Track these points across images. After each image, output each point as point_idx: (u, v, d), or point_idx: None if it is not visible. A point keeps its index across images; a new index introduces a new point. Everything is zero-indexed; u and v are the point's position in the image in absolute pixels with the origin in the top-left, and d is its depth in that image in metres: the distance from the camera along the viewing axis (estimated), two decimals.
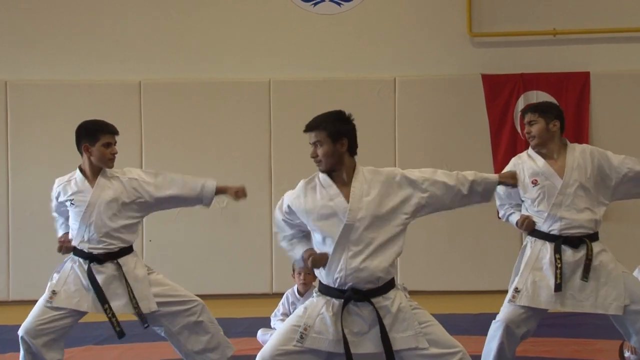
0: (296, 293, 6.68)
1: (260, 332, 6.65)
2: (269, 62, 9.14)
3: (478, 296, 8.58)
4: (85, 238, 5.15)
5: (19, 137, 9.02)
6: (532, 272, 5.10)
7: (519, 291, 5.07)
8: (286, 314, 6.58)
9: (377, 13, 9.21)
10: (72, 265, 5.20)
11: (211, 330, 5.24)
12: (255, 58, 9.16)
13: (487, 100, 9.01)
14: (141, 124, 8.95)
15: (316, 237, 4.24)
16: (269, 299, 7.93)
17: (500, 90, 9.00)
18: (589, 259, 5.06)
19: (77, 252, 5.20)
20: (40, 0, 9.20)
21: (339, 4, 9.25)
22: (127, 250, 5.24)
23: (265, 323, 6.74)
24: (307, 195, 4.25)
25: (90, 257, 5.15)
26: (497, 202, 5.32)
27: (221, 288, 8.71)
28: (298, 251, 4.33)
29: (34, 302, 9.38)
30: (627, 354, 5.89)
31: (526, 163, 5.28)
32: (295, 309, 6.58)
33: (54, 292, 5.14)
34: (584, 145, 5.43)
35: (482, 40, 9.21)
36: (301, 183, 4.31)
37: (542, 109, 5.29)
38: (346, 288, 4.13)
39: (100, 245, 5.15)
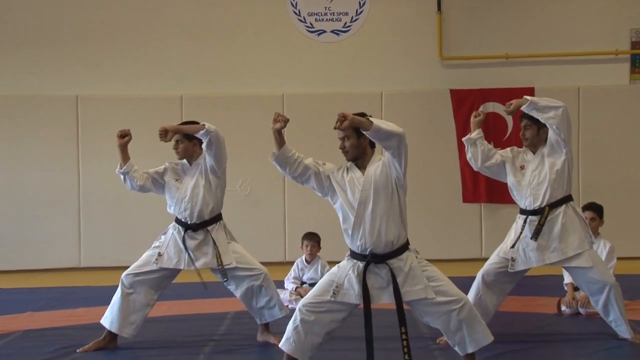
0: (304, 261, 6.71)
1: None
2: (283, 80, 9.16)
3: (444, 263, 8.58)
4: (182, 209, 5.17)
5: (88, 140, 9.07)
6: (520, 242, 4.94)
7: (514, 260, 4.94)
8: (296, 278, 6.63)
9: (368, 41, 9.24)
10: (173, 232, 5.22)
11: (270, 294, 5.23)
12: (271, 77, 9.18)
13: (454, 110, 9.04)
14: None
15: (340, 210, 4.19)
16: (282, 266, 7.92)
17: (464, 102, 9.01)
18: (540, 224, 4.87)
19: (178, 221, 5.22)
20: (103, 32, 9.24)
21: (337, 34, 9.27)
22: (216, 218, 5.27)
23: (279, 285, 6.73)
24: (341, 173, 4.22)
25: (186, 226, 5.18)
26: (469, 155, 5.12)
27: None
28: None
29: (100, 268, 9.46)
30: (563, 307, 5.91)
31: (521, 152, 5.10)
32: (303, 274, 6.64)
33: (160, 255, 5.13)
34: None
35: (450, 62, 9.22)
36: (339, 166, 4.27)
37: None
38: (367, 253, 4.12)
39: (187, 214, 5.17)
